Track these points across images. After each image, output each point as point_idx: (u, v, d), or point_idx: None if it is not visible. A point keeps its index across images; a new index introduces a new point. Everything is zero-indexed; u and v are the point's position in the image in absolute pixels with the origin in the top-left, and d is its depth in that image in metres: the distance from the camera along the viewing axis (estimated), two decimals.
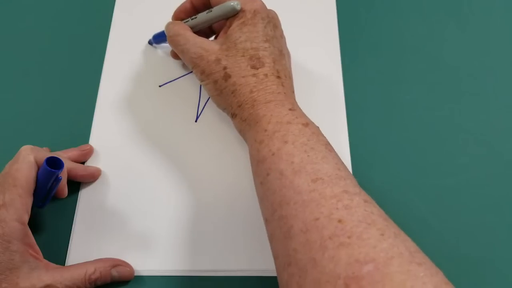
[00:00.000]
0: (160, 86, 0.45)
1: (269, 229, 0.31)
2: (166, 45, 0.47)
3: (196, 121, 0.44)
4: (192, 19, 0.40)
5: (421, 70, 0.45)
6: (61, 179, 0.36)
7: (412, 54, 0.46)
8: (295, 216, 0.29)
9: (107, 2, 0.50)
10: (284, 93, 0.36)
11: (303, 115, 0.35)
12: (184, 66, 0.46)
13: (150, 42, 0.48)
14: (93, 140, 0.43)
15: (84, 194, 0.40)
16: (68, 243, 0.38)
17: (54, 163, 0.34)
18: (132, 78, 0.46)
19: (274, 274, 0.36)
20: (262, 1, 0.38)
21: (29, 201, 0.34)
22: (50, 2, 0.51)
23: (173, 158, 0.42)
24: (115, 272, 0.36)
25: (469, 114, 0.43)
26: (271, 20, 0.38)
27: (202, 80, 0.38)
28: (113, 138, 0.43)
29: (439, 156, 0.41)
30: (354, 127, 0.42)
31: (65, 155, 0.40)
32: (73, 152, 0.41)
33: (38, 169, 0.35)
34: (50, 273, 0.33)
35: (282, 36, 0.39)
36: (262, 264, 0.37)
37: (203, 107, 0.44)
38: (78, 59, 0.47)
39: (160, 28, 0.49)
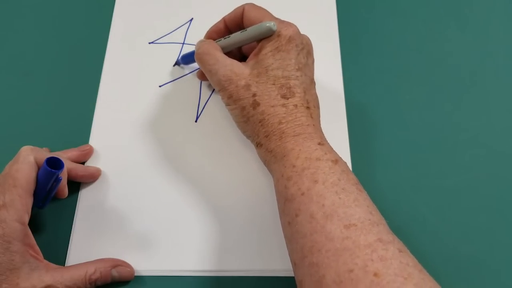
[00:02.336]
0: (160, 86, 0.45)
1: (299, 275, 0.30)
2: (193, 66, 0.46)
3: (196, 121, 0.44)
4: (224, 38, 0.39)
5: (421, 70, 0.45)
6: (61, 179, 0.36)
7: (412, 54, 0.46)
8: (328, 265, 0.28)
9: (107, 2, 0.50)
10: (313, 125, 0.35)
11: (332, 150, 0.34)
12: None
13: (177, 63, 0.46)
14: (93, 140, 0.43)
15: (84, 194, 0.40)
16: (68, 243, 0.38)
17: (54, 164, 0.34)
18: (132, 78, 0.46)
19: (274, 274, 0.36)
20: (297, 27, 0.37)
21: (29, 201, 0.34)
22: (51, 2, 0.51)
23: (173, 158, 0.42)
24: (115, 272, 0.36)
25: (469, 114, 0.43)
26: (305, 47, 0.37)
27: (228, 105, 0.37)
28: (113, 138, 0.43)
29: (439, 156, 0.41)
30: (354, 127, 0.42)
31: (65, 156, 0.40)
32: (73, 153, 0.41)
33: (38, 169, 0.35)
34: (51, 274, 0.33)
35: (313, 62, 0.38)
36: (264, 264, 0.37)
37: (203, 107, 0.44)
38: (78, 59, 0.47)
39: (160, 27, 0.49)
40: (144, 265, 0.37)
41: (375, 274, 0.26)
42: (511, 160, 0.41)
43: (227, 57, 0.37)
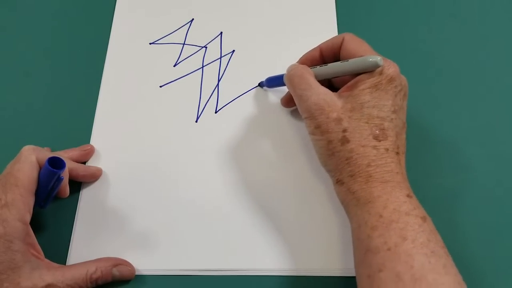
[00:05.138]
0: (160, 86, 0.46)
1: None
2: (278, 89, 0.43)
3: (196, 121, 0.44)
4: (320, 66, 0.36)
5: (421, 70, 0.45)
6: (62, 179, 0.36)
7: (412, 54, 0.46)
8: None
9: (108, 2, 0.51)
10: (402, 173, 0.33)
11: (420, 205, 0.32)
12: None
13: (261, 84, 0.44)
14: (94, 140, 0.43)
15: (85, 194, 0.41)
16: (69, 242, 0.39)
17: (55, 163, 0.34)
18: (133, 78, 0.46)
19: (275, 274, 0.37)
20: (398, 67, 0.34)
21: (31, 201, 0.34)
22: (51, 2, 0.51)
23: (174, 158, 0.42)
24: (116, 271, 0.36)
25: (469, 113, 0.43)
26: (403, 88, 0.35)
27: (313, 134, 0.34)
28: (114, 138, 0.43)
29: (439, 156, 0.41)
30: None
31: (66, 155, 0.40)
32: (74, 152, 0.41)
33: (40, 169, 0.35)
34: (52, 273, 0.34)
35: (406, 105, 0.36)
36: (263, 264, 0.37)
37: (203, 107, 0.44)
38: (79, 59, 0.47)
39: (160, 27, 0.49)
40: (145, 264, 0.37)
41: None
42: (511, 160, 0.41)
43: (320, 84, 0.35)
